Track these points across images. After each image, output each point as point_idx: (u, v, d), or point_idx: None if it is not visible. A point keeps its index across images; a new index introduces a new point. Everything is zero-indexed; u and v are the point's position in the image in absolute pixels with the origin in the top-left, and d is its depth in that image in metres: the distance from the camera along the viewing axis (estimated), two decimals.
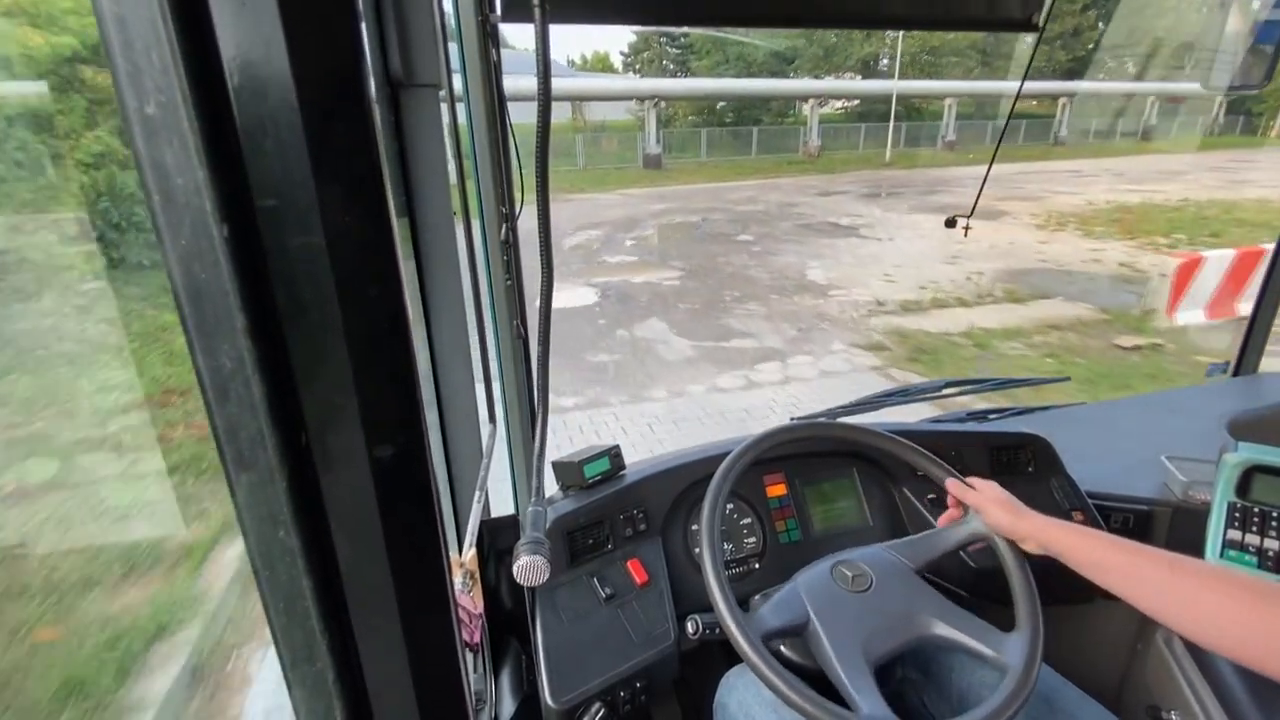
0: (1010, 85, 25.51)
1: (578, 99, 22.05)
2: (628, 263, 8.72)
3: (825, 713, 0.69)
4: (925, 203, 14.05)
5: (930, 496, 1.17)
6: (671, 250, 9.55)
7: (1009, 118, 2.17)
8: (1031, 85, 25.34)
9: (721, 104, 26.29)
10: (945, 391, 1.49)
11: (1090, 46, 27.45)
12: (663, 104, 21.20)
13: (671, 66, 29.65)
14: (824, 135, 23.98)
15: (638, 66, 31.06)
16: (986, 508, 0.90)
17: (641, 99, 20.37)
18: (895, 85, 23.95)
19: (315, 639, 0.36)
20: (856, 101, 27.66)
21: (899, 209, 13.25)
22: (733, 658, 0.86)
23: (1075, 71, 27.40)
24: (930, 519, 1.16)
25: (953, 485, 0.97)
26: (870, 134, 25.52)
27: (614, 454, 1.11)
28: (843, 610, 0.82)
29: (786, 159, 23.06)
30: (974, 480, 0.96)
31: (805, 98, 23.52)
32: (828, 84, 25.64)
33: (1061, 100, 26.61)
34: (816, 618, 0.82)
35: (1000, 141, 1.83)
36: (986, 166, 1.47)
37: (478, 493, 0.93)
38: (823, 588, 0.86)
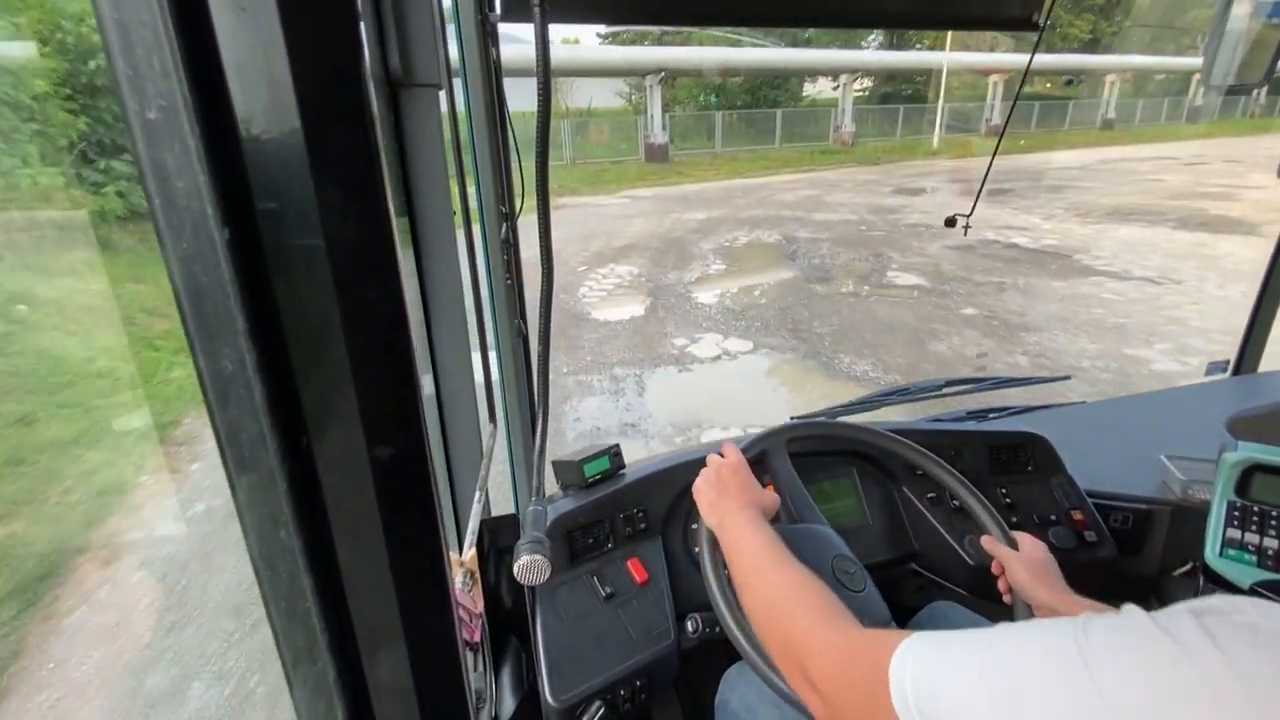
0: (1069, 59, 22.77)
1: (565, 74, 18.65)
2: (744, 355, 4.60)
3: None
4: (1079, 204, 10.34)
5: (930, 495, 1.17)
6: (809, 320, 5.29)
7: (1015, 100, 2.19)
8: (1070, 59, 23.00)
9: (732, 82, 21.64)
10: (945, 391, 1.49)
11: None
12: (667, 82, 17.17)
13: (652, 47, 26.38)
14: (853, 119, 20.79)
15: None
16: (1011, 565, 0.84)
17: (641, 75, 16.91)
18: (945, 57, 20.26)
19: (316, 638, 0.36)
20: (870, 81, 24.38)
21: (1057, 213, 9.71)
22: (732, 656, 0.86)
23: (1111, 46, 25.32)
24: (931, 519, 1.16)
25: (988, 542, 0.90)
26: (889, 117, 22.11)
27: (614, 453, 1.12)
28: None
29: (818, 148, 19.73)
30: (1022, 537, 0.89)
31: (835, 73, 19.76)
32: (870, 56, 21.33)
33: (1110, 78, 24.17)
34: None
35: (1004, 131, 1.81)
36: (989, 159, 1.47)
37: (478, 492, 0.93)
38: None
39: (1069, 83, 23.93)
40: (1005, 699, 0.38)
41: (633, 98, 21.63)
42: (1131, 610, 0.41)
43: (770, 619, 0.62)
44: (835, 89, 23.30)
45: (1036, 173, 14.70)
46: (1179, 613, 0.39)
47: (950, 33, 21.54)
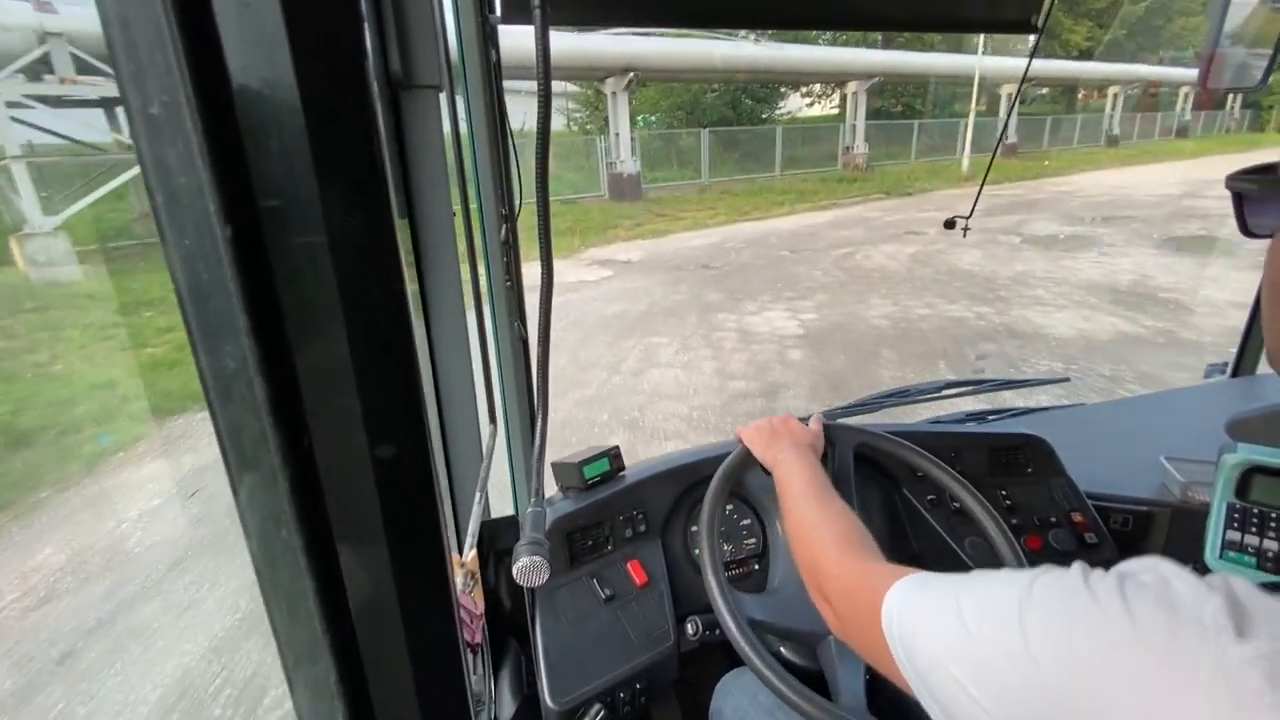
0: (1081, 67, 21.35)
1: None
2: None
3: (826, 713, 0.69)
4: None
5: (930, 497, 1.17)
6: None
7: (1009, 114, 2.17)
8: (1083, 67, 21.71)
9: (707, 96, 17.38)
10: (945, 393, 1.49)
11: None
12: (635, 87, 12.85)
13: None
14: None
15: None
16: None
17: (601, 78, 12.70)
18: (979, 61, 17.52)
19: (318, 639, 0.36)
20: (838, 95, 20.67)
21: None
22: (733, 659, 0.86)
23: (1106, 56, 24.14)
24: (931, 520, 1.16)
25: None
26: (892, 136, 18.99)
27: (614, 455, 1.11)
28: None
29: (830, 175, 16.42)
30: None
31: (842, 79, 16.66)
32: (886, 56, 17.72)
33: (1113, 90, 22.90)
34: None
35: (998, 145, 1.82)
36: (984, 171, 1.47)
37: (478, 493, 0.93)
38: None
39: (1022, 101, 23.47)
40: (961, 649, 0.42)
41: (575, 116, 17.67)
42: (1075, 571, 0.42)
43: (803, 542, 0.71)
44: (810, 105, 21.12)
45: (1163, 205, 11.23)
46: (1109, 576, 0.40)
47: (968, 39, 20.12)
